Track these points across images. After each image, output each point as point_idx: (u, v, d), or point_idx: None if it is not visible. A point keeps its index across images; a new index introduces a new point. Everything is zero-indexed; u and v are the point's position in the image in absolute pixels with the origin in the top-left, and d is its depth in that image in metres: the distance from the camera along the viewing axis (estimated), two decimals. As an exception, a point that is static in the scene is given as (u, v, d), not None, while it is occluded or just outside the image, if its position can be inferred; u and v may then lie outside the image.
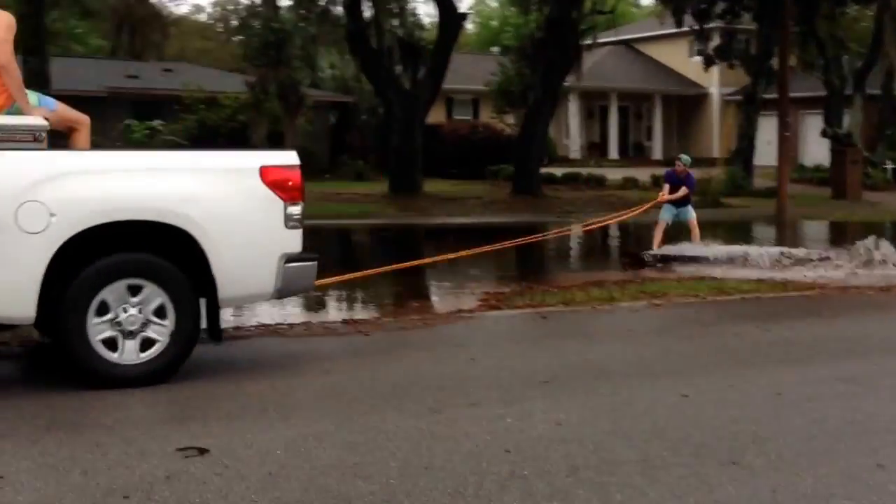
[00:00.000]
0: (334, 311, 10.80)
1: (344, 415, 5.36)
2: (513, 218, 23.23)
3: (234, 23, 55.83)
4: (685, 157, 15.10)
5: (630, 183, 30.70)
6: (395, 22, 26.86)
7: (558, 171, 32.95)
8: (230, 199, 6.14)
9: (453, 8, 27.09)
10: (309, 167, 25.07)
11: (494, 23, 60.64)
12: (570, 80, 31.31)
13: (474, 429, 5.06)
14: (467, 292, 11.77)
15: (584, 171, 33.70)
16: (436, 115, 34.20)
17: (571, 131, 43.08)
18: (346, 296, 12.22)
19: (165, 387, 6.05)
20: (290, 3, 26.84)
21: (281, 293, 6.45)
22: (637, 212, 16.16)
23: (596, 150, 43.53)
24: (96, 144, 7.68)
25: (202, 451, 4.60)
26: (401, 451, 4.67)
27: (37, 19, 21.07)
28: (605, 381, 6.33)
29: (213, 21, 66.03)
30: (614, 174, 32.58)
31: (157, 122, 30.17)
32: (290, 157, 6.50)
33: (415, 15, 28.73)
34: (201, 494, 4.05)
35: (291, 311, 10.32)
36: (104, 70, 35.03)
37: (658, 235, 14.71)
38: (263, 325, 8.46)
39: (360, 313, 10.59)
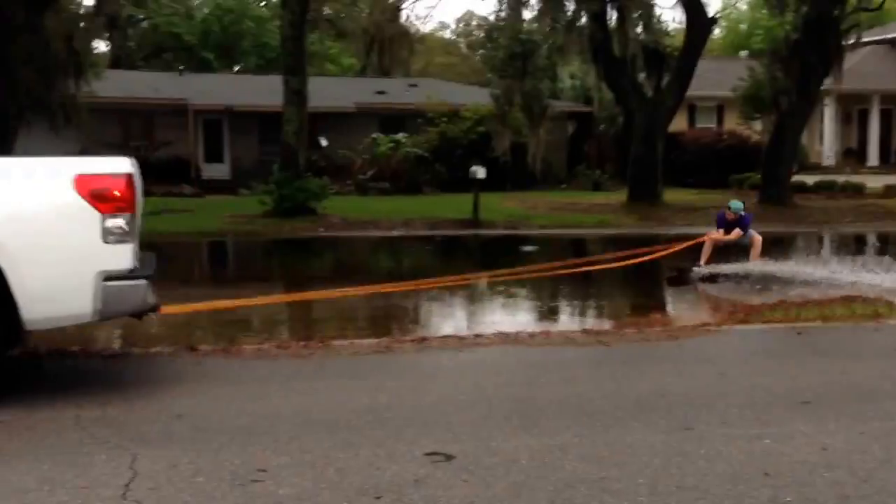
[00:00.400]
0: (573, 321, 10.69)
1: (588, 426, 5.23)
2: (759, 228, 22.12)
3: (479, 35, 57.09)
4: (735, 205, 14.29)
5: (893, 191, 28.47)
6: (639, 29, 26.37)
7: (809, 179, 31.14)
8: (35, 211, 5.60)
9: (703, 12, 26.25)
10: (546, 177, 25.04)
11: (743, 26, 58.38)
12: (827, 83, 29.49)
13: (728, 448, 4.78)
14: (711, 304, 11.31)
15: (839, 178, 31.63)
16: (677, 123, 33.30)
17: (825, 137, 40.57)
18: (583, 305, 12.09)
19: (410, 391, 6.16)
20: (535, 14, 27.03)
21: (103, 314, 5.78)
22: (677, 249, 14.85)
23: (852, 156, 40.72)
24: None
25: (448, 457, 4.62)
26: (649, 468, 4.48)
27: (298, 42, 22.39)
28: (874, 404, 5.80)
29: (456, 36, 68.06)
30: (874, 182, 30.34)
31: (401, 135, 31.29)
32: (116, 165, 5.80)
33: (661, 21, 28.11)
34: (448, 500, 4.06)
35: (528, 320, 10.34)
36: (354, 87, 36.84)
37: (706, 251, 13.97)
38: (503, 334, 8.48)
39: (600, 323, 10.43)
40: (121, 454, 4.66)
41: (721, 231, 14.17)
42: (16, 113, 22.28)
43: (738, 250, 14.06)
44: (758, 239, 14.05)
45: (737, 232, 13.91)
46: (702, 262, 13.86)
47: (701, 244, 14.15)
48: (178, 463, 4.53)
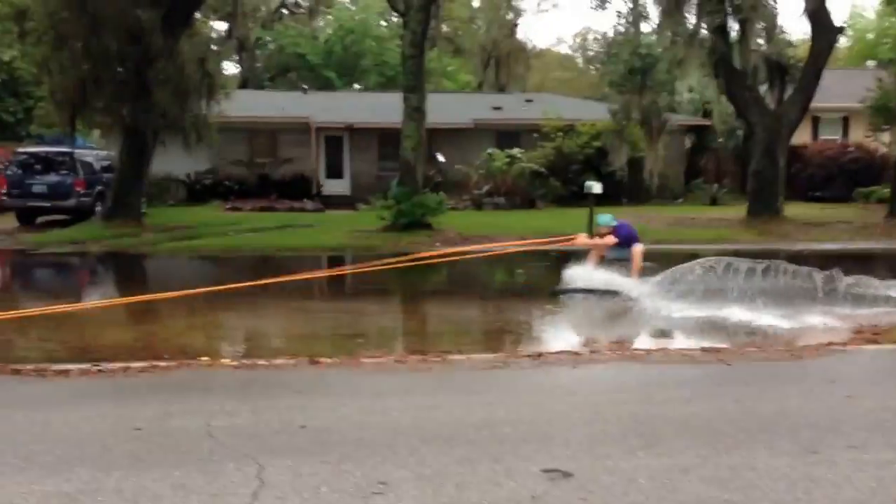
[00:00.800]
0: (692, 338, 10.50)
1: (709, 447, 5.15)
2: (888, 244, 21.28)
3: (596, 51, 56.75)
4: (602, 219, 13.20)
5: None
6: (761, 40, 25.74)
7: (944, 193, 29.71)
8: None
9: (828, 22, 25.43)
10: (663, 192, 24.51)
11: (870, 35, 56.29)
12: (961, 92, 28.18)
13: (857, 474, 4.64)
14: (837, 322, 10.89)
15: (974, 192, 30.07)
16: (800, 136, 32.35)
17: (961, 149, 38.70)
18: (702, 321, 11.82)
19: (527, 407, 6.18)
20: (655, 27, 26.70)
21: None
22: (535, 245, 13.70)
23: None
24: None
25: (566, 475, 4.63)
26: (774, 492, 4.39)
27: (417, 60, 22.74)
28: None
29: (573, 51, 67.79)
30: None
31: (516, 150, 31.34)
32: None
33: (784, 32, 27.31)
34: (566, 517, 4.07)
35: (647, 336, 10.21)
36: (471, 103, 37.11)
37: (590, 259, 12.93)
38: (620, 350, 8.42)
39: (720, 341, 10.21)
40: (248, 463, 4.84)
41: (595, 237, 13.12)
42: (152, 132, 23.38)
43: (621, 265, 12.83)
44: (637, 252, 12.77)
45: (609, 238, 12.80)
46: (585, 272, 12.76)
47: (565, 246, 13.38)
48: (303, 473, 4.68)
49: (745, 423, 5.73)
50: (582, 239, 13.31)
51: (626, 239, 12.96)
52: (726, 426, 5.62)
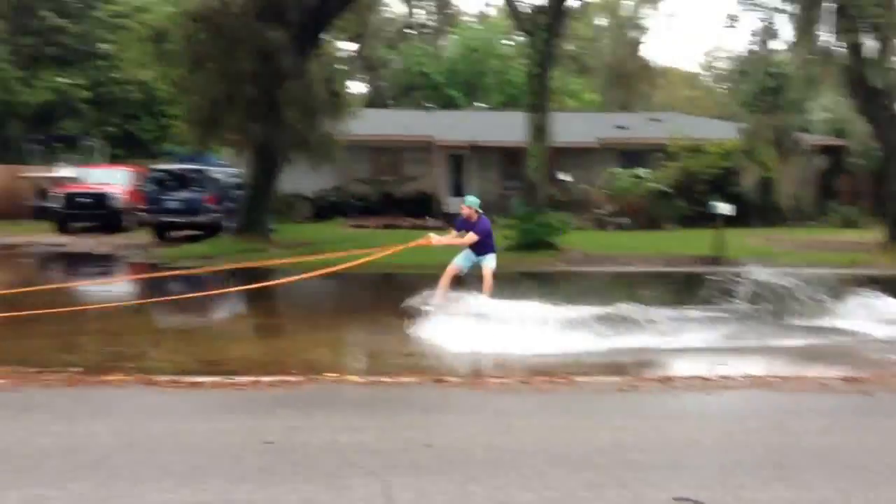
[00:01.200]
0: (829, 367, 10.08)
1: (849, 481, 4.92)
2: None
3: (725, 70, 55.58)
4: (470, 199, 11.89)
5: None
6: (900, 58, 24.66)
7: None
8: None
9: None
10: (794, 214, 23.55)
11: None
12: None
13: None
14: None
15: None
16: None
17: None
18: (840, 350, 11.34)
19: (655, 432, 6.04)
20: (788, 46, 25.94)
21: None
22: (378, 255, 12.38)
23: None
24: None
25: (698, 504, 4.49)
26: (923, 533, 4.14)
27: (542, 80, 22.73)
28: None
29: (700, 69, 66.55)
30: None
31: (641, 170, 30.91)
32: None
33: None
34: (699, 549, 3.94)
35: (782, 363, 9.84)
36: (595, 122, 36.82)
37: (444, 283, 11.56)
38: (752, 377, 8.14)
39: (860, 370, 9.76)
40: (374, 481, 4.86)
41: (450, 234, 11.97)
42: (281, 150, 24.05)
43: (473, 280, 11.59)
44: (487, 268, 11.61)
45: (470, 236, 11.55)
46: (438, 295, 11.42)
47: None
48: (428, 493, 4.67)
49: (888, 457, 5.45)
50: (436, 238, 12.41)
51: (483, 234, 11.80)
52: (868, 459, 5.36)
